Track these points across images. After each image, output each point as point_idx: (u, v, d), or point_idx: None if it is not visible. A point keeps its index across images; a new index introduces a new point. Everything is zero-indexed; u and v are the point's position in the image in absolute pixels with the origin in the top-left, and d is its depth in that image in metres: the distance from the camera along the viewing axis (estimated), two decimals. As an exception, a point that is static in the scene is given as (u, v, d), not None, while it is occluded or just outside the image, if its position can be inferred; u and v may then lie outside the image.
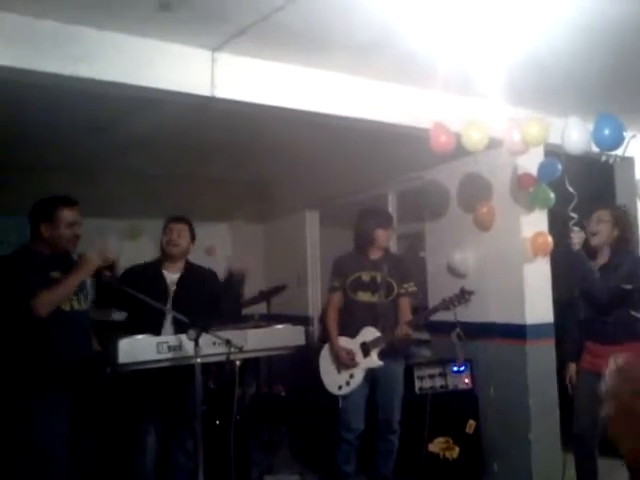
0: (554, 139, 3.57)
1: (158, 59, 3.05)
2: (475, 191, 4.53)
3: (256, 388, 5.24)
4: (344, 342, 3.93)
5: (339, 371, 3.94)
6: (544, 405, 4.15)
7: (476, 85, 3.57)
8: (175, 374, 3.41)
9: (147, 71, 3.02)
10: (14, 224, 5.83)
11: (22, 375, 2.99)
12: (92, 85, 2.97)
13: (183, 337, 3.22)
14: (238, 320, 4.09)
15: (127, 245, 5.94)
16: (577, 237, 3.49)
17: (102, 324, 3.66)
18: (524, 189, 4.19)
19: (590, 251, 3.64)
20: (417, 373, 4.33)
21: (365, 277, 3.96)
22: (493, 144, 3.79)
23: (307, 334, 4.35)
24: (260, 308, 5.19)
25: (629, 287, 3.45)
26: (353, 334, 3.90)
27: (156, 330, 3.44)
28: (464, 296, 3.66)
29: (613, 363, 1.59)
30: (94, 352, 3.28)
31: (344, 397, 3.92)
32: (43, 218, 3.10)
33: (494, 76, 3.40)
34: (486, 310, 4.39)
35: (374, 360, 3.82)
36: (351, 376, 3.88)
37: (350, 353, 3.88)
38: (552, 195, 4.08)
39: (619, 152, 3.66)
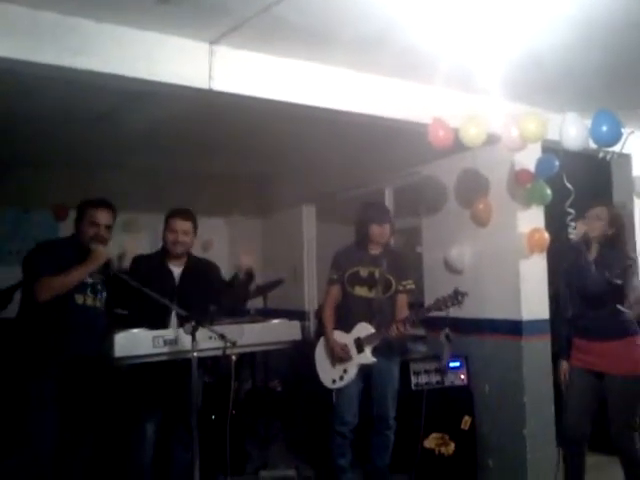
0: (552, 135, 3.56)
1: (156, 51, 3.04)
2: (472, 187, 4.53)
3: (252, 383, 5.24)
4: (339, 336, 3.93)
5: (333, 365, 3.94)
6: (539, 401, 4.16)
7: (475, 81, 3.57)
8: (171, 368, 3.40)
9: (145, 63, 3.01)
10: (10, 217, 5.85)
11: (19, 357, 3.11)
12: (90, 77, 2.96)
13: (179, 331, 3.22)
14: (235, 315, 4.10)
15: (125, 239, 5.94)
16: (580, 228, 3.50)
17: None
18: (521, 185, 4.19)
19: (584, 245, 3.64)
20: (413, 369, 4.33)
21: (363, 272, 3.96)
22: (491, 140, 3.79)
23: (303, 329, 4.37)
24: (257, 303, 5.19)
25: (620, 282, 3.46)
26: (348, 329, 3.90)
27: (162, 324, 3.45)
28: (457, 297, 3.63)
29: None
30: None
31: (338, 391, 3.93)
32: (77, 214, 3.37)
33: (493, 72, 3.40)
34: (482, 306, 4.39)
35: (367, 356, 3.82)
36: (345, 371, 3.88)
37: (345, 348, 3.88)
38: (549, 191, 4.08)
39: (616, 149, 3.66)
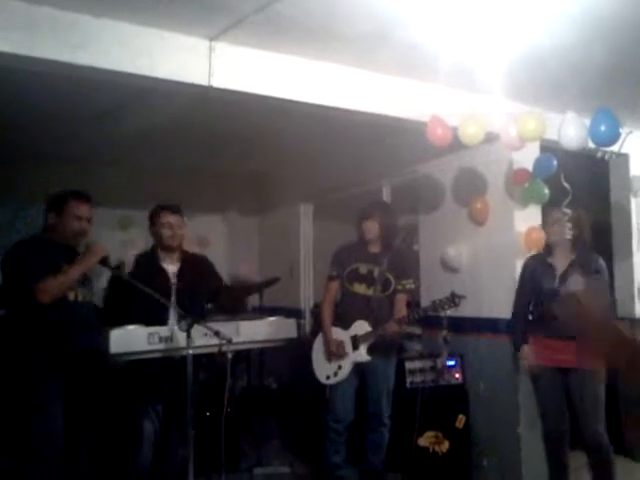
0: (550, 135, 3.56)
1: (156, 47, 3.02)
2: (470, 185, 4.53)
3: (247, 380, 5.24)
4: (337, 333, 3.93)
5: (328, 361, 3.94)
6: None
7: (475, 79, 3.57)
8: (165, 365, 3.39)
9: (145, 59, 3.00)
10: (5, 213, 5.83)
11: (21, 360, 3.03)
12: (89, 73, 2.95)
13: (175, 328, 3.21)
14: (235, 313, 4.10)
15: (118, 235, 5.93)
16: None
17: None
18: (519, 184, 4.18)
19: (545, 251, 3.82)
20: (408, 367, 4.32)
21: (362, 269, 3.95)
22: (489, 138, 3.78)
23: (299, 327, 4.36)
24: (253, 300, 5.18)
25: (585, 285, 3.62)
26: (346, 326, 3.90)
27: (161, 322, 3.44)
28: (454, 300, 3.63)
29: None
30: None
31: (332, 387, 3.93)
32: (52, 207, 3.21)
33: (493, 70, 3.39)
34: (479, 305, 4.39)
35: (362, 354, 3.82)
36: (339, 367, 3.88)
37: (341, 344, 3.87)
38: (547, 191, 4.08)
39: (615, 148, 3.66)
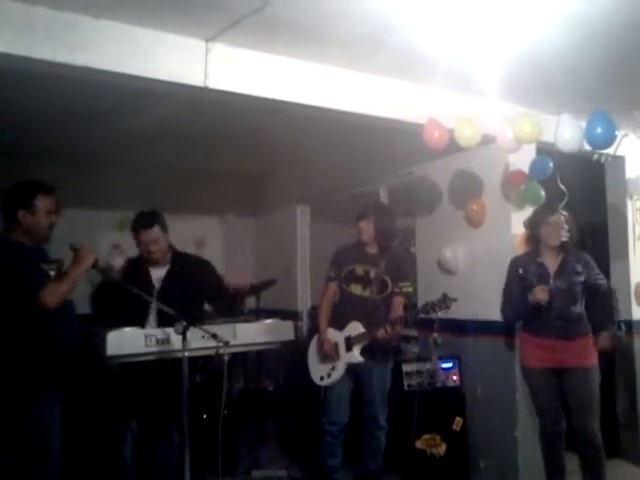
0: (546, 137, 3.57)
1: (152, 48, 3.02)
2: (466, 187, 4.53)
3: (244, 383, 5.23)
4: (332, 334, 3.92)
5: (323, 362, 3.93)
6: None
7: (471, 81, 3.57)
8: (162, 367, 3.39)
9: (141, 60, 2.99)
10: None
11: (19, 367, 2.91)
12: (86, 73, 2.94)
13: (171, 330, 3.20)
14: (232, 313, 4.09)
15: (115, 236, 5.91)
16: (540, 294, 3.63)
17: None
18: (515, 186, 4.19)
19: (533, 251, 3.86)
20: (405, 370, 4.32)
21: (359, 270, 3.95)
22: (485, 141, 3.79)
23: (296, 329, 4.36)
24: (249, 302, 5.17)
25: (603, 282, 3.83)
26: (341, 327, 3.90)
27: (140, 324, 3.42)
28: (445, 302, 3.63)
29: None
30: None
31: (326, 389, 3.93)
32: (21, 205, 2.96)
33: (490, 73, 3.39)
34: (475, 307, 4.39)
35: (355, 355, 3.80)
36: (333, 368, 3.87)
37: (335, 345, 3.86)
38: (543, 193, 4.09)
39: (610, 151, 3.67)
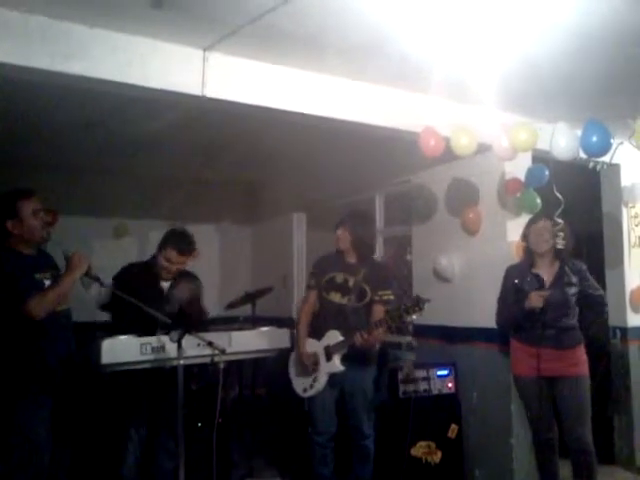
0: (542, 145, 3.58)
1: (149, 57, 3.03)
2: (462, 195, 4.54)
3: (239, 390, 5.21)
4: (311, 344, 3.87)
5: (304, 373, 3.89)
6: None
7: (467, 90, 3.59)
8: (157, 375, 3.38)
9: (138, 69, 3.00)
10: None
11: (9, 376, 2.91)
12: (82, 82, 2.95)
13: (166, 338, 3.19)
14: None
15: (111, 244, 5.91)
16: (535, 300, 3.62)
17: (84, 325, 3.58)
18: (511, 194, 4.20)
19: (528, 261, 3.84)
20: (401, 377, 4.32)
21: (339, 278, 3.90)
22: (482, 149, 3.80)
23: (292, 337, 4.33)
24: (245, 310, 5.16)
25: (599, 292, 3.83)
26: (320, 336, 3.85)
27: (151, 332, 3.42)
28: (418, 304, 3.56)
29: None
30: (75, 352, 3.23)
31: (310, 400, 3.89)
32: (7, 215, 2.98)
33: (485, 82, 3.41)
34: (471, 314, 4.40)
35: (336, 365, 3.74)
36: (315, 379, 3.82)
37: (314, 356, 3.82)
38: (539, 201, 4.10)
39: (606, 159, 3.69)
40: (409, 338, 4.14)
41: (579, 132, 3.48)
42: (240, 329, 4.11)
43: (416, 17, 2.76)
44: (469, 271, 4.53)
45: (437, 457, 4.27)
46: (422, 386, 4.34)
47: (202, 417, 4.13)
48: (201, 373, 4.07)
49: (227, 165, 5.91)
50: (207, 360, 3.18)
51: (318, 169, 5.70)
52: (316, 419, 3.87)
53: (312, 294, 4.01)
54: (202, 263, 4.17)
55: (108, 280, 3.36)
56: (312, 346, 3.87)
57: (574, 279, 3.72)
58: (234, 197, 7.01)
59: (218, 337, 3.34)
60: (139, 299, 3.15)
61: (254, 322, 4.69)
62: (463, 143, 3.63)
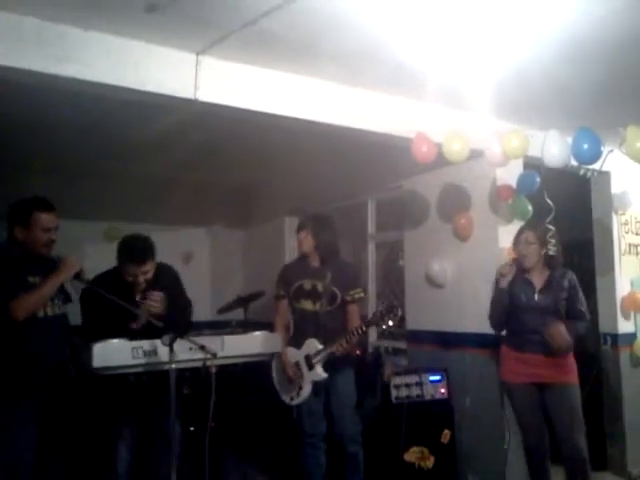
0: (534, 152, 3.60)
1: (143, 61, 3.03)
2: (454, 201, 4.56)
3: (232, 395, 5.20)
4: (291, 353, 3.87)
5: (289, 383, 3.88)
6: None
7: (460, 97, 3.61)
8: (150, 379, 3.36)
9: (131, 72, 3.00)
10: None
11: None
12: (76, 85, 2.94)
13: (158, 342, 3.18)
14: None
15: (103, 247, 5.87)
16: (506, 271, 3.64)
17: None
18: (503, 200, 4.23)
19: (519, 266, 3.79)
20: (393, 382, 4.32)
21: (307, 285, 3.87)
22: (474, 155, 3.82)
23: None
24: (237, 314, 5.16)
25: (583, 308, 3.72)
26: (299, 345, 3.84)
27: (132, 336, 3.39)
28: (392, 310, 3.56)
29: None
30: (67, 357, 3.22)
31: (298, 407, 3.89)
32: (18, 221, 3.05)
33: (478, 89, 3.43)
34: (463, 320, 4.41)
35: (318, 373, 3.73)
36: (300, 388, 3.81)
37: (296, 365, 3.82)
38: (530, 207, 4.13)
39: (597, 166, 3.72)
40: (384, 344, 4.12)
41: (570, 140, 3.51)
42: (232, 333, 4.09)
43: (409, 24, 2.78)
44: (461, 277, 4.55)
45: (430, 462, 4.26)
46: (415, 391, 4.35)
47: (195, 421, 4.12)
48: (193, 377, 4.06)
49: (219, 169, 5.91)
50: (199, 364, 3.16)
51: (311, 174, 5.72)
52: (306, 425, 3.87)
53: (281, 304, 4.00)
54: (194, 267, 4.15)
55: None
56: (293, 355, 3.86)
57: (565, 283, 3.70)
58: (226, 201, 7.00)
59: (210, 341, 3.32)
60: (117, 312, 3.13)
61: (246, 326, 4.68)
62: (455, 149, 3.65)
